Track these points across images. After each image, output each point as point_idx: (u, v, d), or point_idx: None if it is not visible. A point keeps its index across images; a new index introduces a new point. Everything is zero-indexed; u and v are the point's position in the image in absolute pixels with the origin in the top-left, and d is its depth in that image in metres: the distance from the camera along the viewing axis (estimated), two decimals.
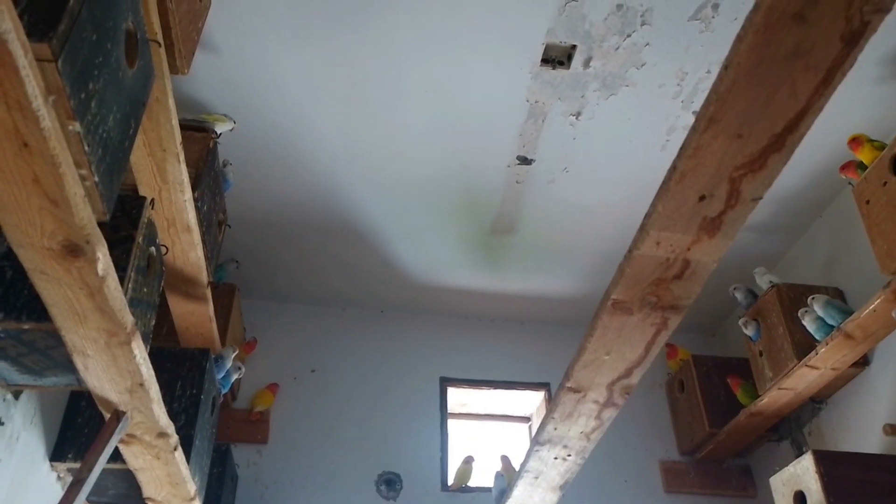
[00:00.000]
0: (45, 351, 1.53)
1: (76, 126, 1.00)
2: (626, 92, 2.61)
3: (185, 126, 1.90)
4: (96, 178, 1.10)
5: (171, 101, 1.63)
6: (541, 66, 2.52)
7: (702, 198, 1.17)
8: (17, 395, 1.80)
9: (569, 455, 2.08)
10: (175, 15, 1.49)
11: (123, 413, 1.66)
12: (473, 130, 2.78)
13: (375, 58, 2.47)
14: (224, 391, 2.53)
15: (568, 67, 2.53)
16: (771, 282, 3.01)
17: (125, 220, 1.56)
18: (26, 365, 1.58)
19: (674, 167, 1.17)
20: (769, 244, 3.38)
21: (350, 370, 3.60)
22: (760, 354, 3.01)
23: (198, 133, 2.27)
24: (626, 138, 2.81)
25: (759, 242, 3.33)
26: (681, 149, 1.15)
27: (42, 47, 0.88)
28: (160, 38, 1.43)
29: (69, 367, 1.51)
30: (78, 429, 2.05)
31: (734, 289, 3.18)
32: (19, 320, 1.43)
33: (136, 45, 1.20)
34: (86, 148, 1.04)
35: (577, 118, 2.73)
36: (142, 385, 1.56)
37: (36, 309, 1.37)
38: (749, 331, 3.06)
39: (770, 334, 2.95)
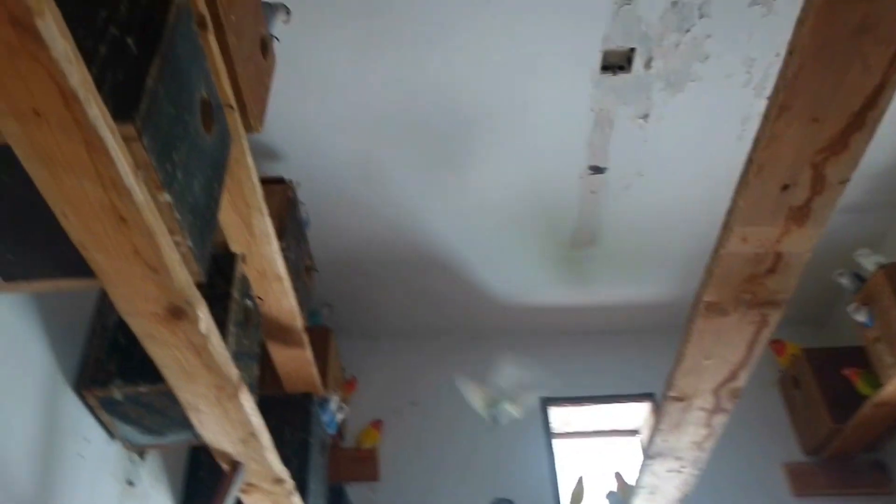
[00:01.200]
0: (162, 411, 1.62)
1: (166, 196, 1.06)
2: (693, 87, 2.55)
3: (263, 180, 1.99)
4: (189, 243, 1.17)
5: (250, 159, 1.71)
6: (601, 73, 2.50)
7: (785, 187, 1.13)
8: (142, 455, 1.90)
9: (683, 467, 2.01)
10: (244, 77, 1.56)
11: (240, 463, 1.73)
12: (541, 147, 2.78)
13: (437, 89, 2.52)
14: (331, 433, 2.59)
15: (629, 71, 2.50)
16: (878, 263, 2.83)
17: (220, 277, 1.64)
18: (147, 426, 1.67)
19: (750, 160, 1.14)
20: (869, 224, 3.18)
21: (449, 399, 3.60)
22: (877, 340, 2.83)
23: (277, 185, 2.36)
24: (698, 134, 2.74)
25: (857, 223, 3.15)
26: (755, 140, 1.12)
27: (127, 128, 0.95)
28: (233, 101, 1.51)
29: (186, 423, 1.59)
30: (201, 482, 2.15)
31: (838, 274, 3.01)
32: (136, 384, 1.52)
33: (212, 112, 1.27)
34: (177, 215, 1.10)
35: (645, 120, 2.69)
36: (253, 434, 1.62)
37: (150, 372, 1.45)
38: (860, 317, 2.88)
39: (884, 318, 2.77)
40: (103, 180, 0.92)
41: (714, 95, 2.57)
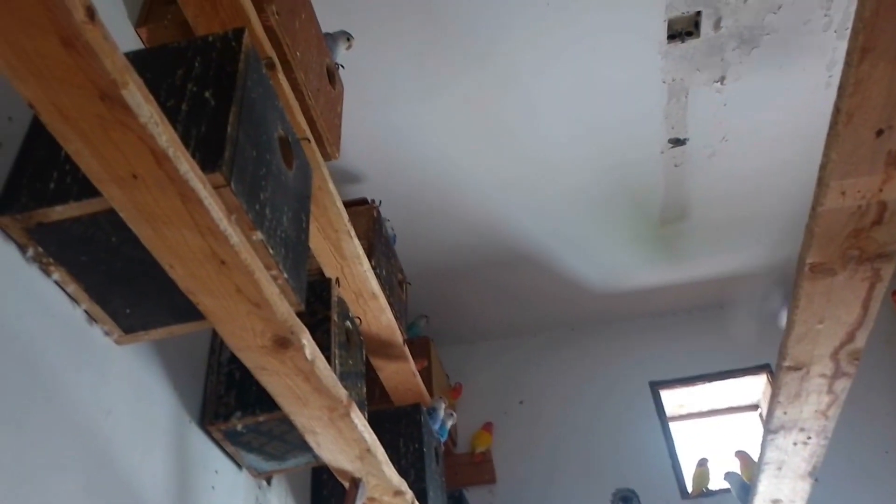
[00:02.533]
0: (281, 436, 1.69)
1: (258, 235, 1.11)
2: (769, 40, 2.45)
3: (347, 203, 2.05)
4: (285, 275, 1.22)
5: (332, 186, 1.76)
6: (668, 43, 2.44)
7: (879, 132, 1.07)
8: (269, 481, 1.99)
9: (809, 438, 1.91)
10: (316, 109, 1.62)
11: (360, 479, 1.78)
12: (616, 127, 2.73)
13: (503, 85, 2.53)
14: (443, 440, 2.62)
15: (698, 36, 2.43)
16: None
17: (318, 303, 1.70)
18: (269, 452, 1.75)
19: (837, 109, 1.09)
20: None
21: (556, 394, 3.59)
22: None
23: (361, 206, 2.42)
24: (782, 88, 2.62)
25: None
26: (839, 88, 1.06)
27: (216, 177, 1.00)
28: (308, 134, 1.57)
29: (304, 446, 1.65)
30: (325, 501, 2.22)
31: None
32: (255, 414, 1.60)
33: (290, 148, 1.32)
34: (270, 251, 1.15)
35: (721, 83, 2.59)
36: (368, 450, 1.66)
37: (266, 401, 1.52)
38: None
39: None
40: (201, 229, 0.97)
41: (793, 45, 2.46)
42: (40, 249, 1.10)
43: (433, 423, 2.57)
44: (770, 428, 1.88)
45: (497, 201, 3.00)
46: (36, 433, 1.08)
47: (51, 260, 1.11)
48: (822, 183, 1.21)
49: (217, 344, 1.73)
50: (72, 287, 1.18)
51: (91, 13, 0.74)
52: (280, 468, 1.84)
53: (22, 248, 1.10)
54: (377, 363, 2.55)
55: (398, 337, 2.43)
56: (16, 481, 1.02)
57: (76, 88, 0.79)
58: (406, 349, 2.54)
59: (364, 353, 1.93)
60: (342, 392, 1.49)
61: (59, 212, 1.04)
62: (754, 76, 2.56)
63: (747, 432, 3.62)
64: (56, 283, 1.17)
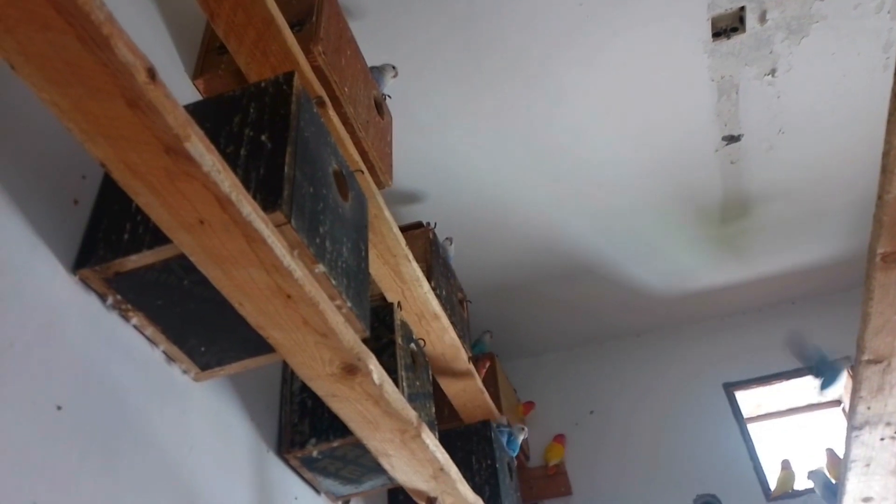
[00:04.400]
0: (356, 460, 1.72)
1: (320, 267, 1.15)
2: (819, 28, 2.39)
3: (403, 228, 2.09)
4: (349, 304, 1.25)
5: (387, 213, 1.80)
6: (713, 41, 2.41)
7: None
8: None
9: None
10: (367, 141, 1.67)
11: (435, 498, 1.79)
12: (667, 131, 2.70)
13: (551, 101, 2.54)
14: (514, 454, 2.62)
15: (744, 30, 2.39)
16: None
17: (383, 328, 1.73)
18: (345, 476, 1.78)
19: (895, 93, 1.06)
20: None
21: (626, 401, 3.54)
22: None
23: (417, 230, 2.46)
24: (837, 75, 2.55)
25: None
26: None
27: (277, 216, 1.04)
28: (362, 165, 1.61)
29: (379, 469, 1.68)
30: None
31: None
32: (329, 440, 1.63)
33: (345, 181, 1.36)
34: (333, 282, 1.19)
35: (773, 76, 2.54)
36: (442, 469, 1.68)
37: (339, 427, 1.56)
38: None
39: None
40: (266, 266, 1.02)
41: (844, 31, 2.39)
42: (119, 297, 1.16)
43: (503, 438, 2.57)
44: (854, 424, 1.82)
45: (553, 215, 3.00)
46: (126, 473, 1.14)
47: (129, 306, 1.17)
48: (886, 170, 1.17)
49: (288, 374, 1.78)
50: (150, 330, 1.24)
51: (152, 74, 0.79)
52: (357, 491, 1.87)
53: (102, 297, 1.17)
54: (444, 382, 2.57)
55: (462, 355, 2.45)
56: None
57: (143, 145, 0.84)
58: (472, 366, 2.55)
59: (430, 373, 1.95)
60: (412, 414, 1.51)
61: (134, 261, 1.10)
62: (807, 65, 2.50)
63: (832, 428, 3.49)
64: (135, 327, 1.23)
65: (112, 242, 1.12)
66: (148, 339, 1.26)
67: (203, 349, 1.29)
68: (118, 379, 1.17)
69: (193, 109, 1.08)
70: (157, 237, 1.06)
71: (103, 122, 0.83)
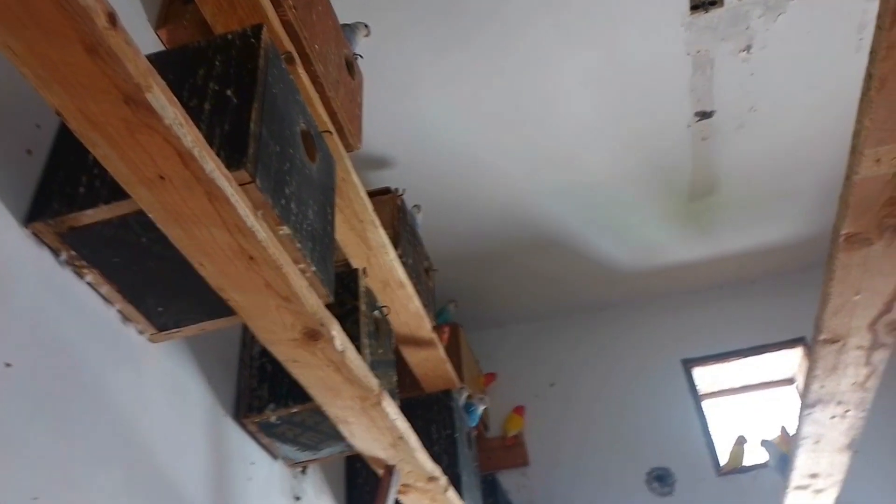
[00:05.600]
0: (315, 427, 1.71)
1: (285, 229, 1.12)
2: (796, 6, 2.39)
3: (371, 193, 2.05)
4: (313, 268, 1.22)
5: (355, 177, 1.77)
6: (691, 14, 2.39)
7: None
8: (304, 471, 2.01)
9: (847, 411, 1.89)
10: (336, 101, 1.62)
11: (393, 467, 1.79)
12: (641, 103, 2.69)
13: (525, 68, 2.51)
14: (473, 425, 2.63)
15: (722, 5, 2.38)
16: None
17: (347, 294, 1.71)
18: (304, 442, 1.77)
19: (869, 74, 1.06)
20: None
21: (587, 375, 3.59)
22: None
23: (385, 195, 2.42)
24: (811, 54, 2.56)
25: None
26: (871, 53, 1.03)
27: (241, 174, 1.01)
28: (330, 126, 1.57)
29: (338, 436, 1.67)
30: (359, 489, 2.25)
31: None
32: (288, 406, 1.61)
33: (313, 141, 1.32)
34: (297, 245, 1.16)
35: (748, 52, 2.54)
36: (401, 438, 1.68)
37: (298, 393, 1.54)
38: None
39: None
40: (228, 226, 0.98)
41: (820, 9, 2.40)
42: (73, 253, 1.11)
43: (463, 408, 2.58)
44: (807, 402, 1.86)
45: (522, 184, 2.98)
46: (77, 432, 1.11)
47: (84, 263, 1.13)
48: (855, 151, 1.18)
49: (248, 338, 1.75)
50: (105, 288, 1.19)
51: (113, 19, 0.75)
52: (314, 458, 1.86)
53: (55, 253, 1.12)
54: (406, 351, 2.56)
55: (426, 324, 2.44)
56: (59, 479, 1.05)
57: (101, 94, 0.80)
58: (435, 336, 2.55)
59: (393, 341, 1.94)
60: (373, 381, 1.50)
61: (90, 215, 1.06)
62: (782, 43, 2.50)
63: (784, 406, 3.59)
64: (89, 284, 1.19)
65: (67, 196, 1.07)
66: (103, 297, 1.22)
67: (160, 309, 1.26)
68: (71, 337, 1.13)
69: (155, 59, 1.03)
70: (115, 192, 1.02)
71: (60, 68, 0.78)
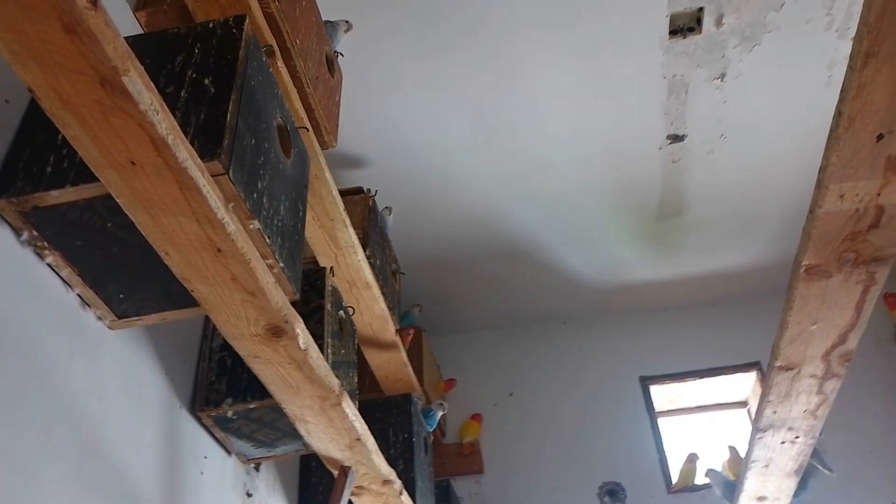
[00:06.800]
0: (272, 424, 1.69)
1: (256, 224, 1.11)
2: (771, 38, 2.44)
3: (343, 192, 2.04)
4: (281, 264, 1.21)
5: (328, 175, 1.76)
6: (670, 39, 2.43)
7: (880, 137, 1.07)
8: (257, 468, 1.99)
9: (797, 437, 1.93)
10: (314, 98, 1.61)
11: (349, 468, 1.78)
12: (615, 122, 2.73)
13: (504, 80, 2.51)
14: (431, 430, 2.63)
15: (700, 32, 2.42)
16: None
17: (313, 292, 1.70)
18: (259, 439, 1.75)
19: (839, 112, 1.08)
20: None
21: (546, 386, 3.61)
22: None
23: (356, 195, 2.41)
24: (782, 86, 2.62)
25: None
26: (841, 91, 1.06)
27: (214, 165, 0.99)
28: (307, 122, 1.56)
29: (295, 434, 1.65)
30: (313, 489, 2.23)
31: None
32: (245, 401, 1.60)
33: (289, 136, 1.31)
34: (267, 240, 1.15)
35: (721, 80, 2.59)
36: (359, 439, 1.67)
37: (257, 389, 1.52)
38: None
39: None
40: (198, 216, 0.97)
41: (794, 44, 2.46)
42: (35, 233, 1.09)
43: (422, 414, 2.57)
44: (759, 426, 1.90)
45: (494, 194, 2.99)
46: (27, 417, 1.08)
47: (45, 244, 1.11)
48: (820, 185, 1.21)
49: (209, 330, 1.73)
50: (65, 271, 1.17)
51: None
52: (269, 455, 1.84)
53: (17, 232, 1.09)
54: (369, 352, 2.55)
55: (390, 326, 2.43)
56: (7, 465, 1.02)
57: (77, 74, 0.78)
58: (398, 339, 2.54)
59: (356, 342, 1.93)
60: (334, 381, 1.49)
61: (56, 196, 1.04)
62: (755, 74, 2.56)
63: (736, 429, 3.65)
64: (50, 266, 1.16)
65: (33, 175, 1.05)
66: (63, 280, 1.19)
67: (122, 296, 1.23)
68: (27, 319, 1.10)
69: (133, 42, 1.01)
70: (83, 174, 1.00)
71: (36, 44, 0.77)
